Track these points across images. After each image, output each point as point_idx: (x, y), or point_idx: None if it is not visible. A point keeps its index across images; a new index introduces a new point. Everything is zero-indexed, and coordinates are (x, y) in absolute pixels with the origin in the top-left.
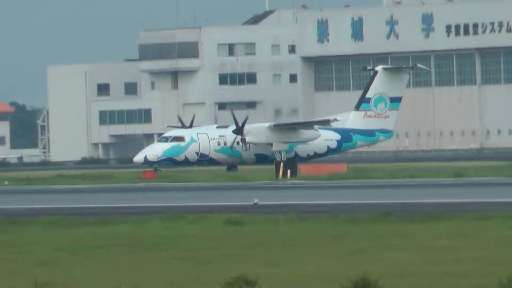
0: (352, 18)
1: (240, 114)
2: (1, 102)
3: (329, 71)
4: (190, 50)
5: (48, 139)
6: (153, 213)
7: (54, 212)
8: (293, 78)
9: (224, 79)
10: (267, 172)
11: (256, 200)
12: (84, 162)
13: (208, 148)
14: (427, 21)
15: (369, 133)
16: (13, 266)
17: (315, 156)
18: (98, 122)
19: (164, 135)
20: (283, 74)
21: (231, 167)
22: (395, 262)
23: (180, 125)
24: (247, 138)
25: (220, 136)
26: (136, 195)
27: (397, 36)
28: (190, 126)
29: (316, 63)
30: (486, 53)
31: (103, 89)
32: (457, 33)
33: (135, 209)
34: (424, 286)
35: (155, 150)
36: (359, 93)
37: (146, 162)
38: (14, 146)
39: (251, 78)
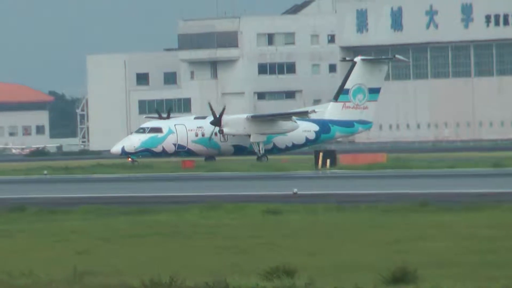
0: (392, 8)
1: (279, 104)
2: (40, 92)
3: None
4: (230, 39)
5: (87, 128)
6: (191, 202)
7: (93, 201)
8: (332, 68)
9: (263, 69)
10: (306, 162)
11: (295, 190)
12: None
13: (186, 139)
14: (467, 11)
15: (347, 124)
16: (53, 254)
17: (294, 148)
18: (137, 112)
19: (142, 126)
20: (322, 64)
21: (209, 158)
22: (434, 252)
23: (157, 115)
24: (225, 130)
25: (198, 127)
26: (175, 184)
27: (436, 26)
28: (168, 117)
29: (355, 53)
30: None
31: (142, 78)
32: (497, 23)
33: (174, 198)
34: (463, 276)
35: (132, 141)
36: (397, 83)
37: (124, 153)
38: (53, 135)
39: (290, 68)
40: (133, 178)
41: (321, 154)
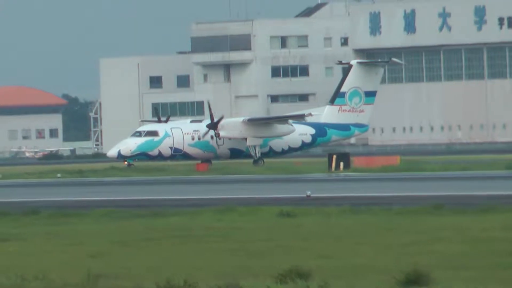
0: (405, 11)
1: (293, 107)
2: (53, 95)
3: None
4: (243, 42)
5: (101, 131)
6: (205, 205)
7: (107, 204)
8: (345, 71)
9: (276, 72)
10: (319, 165)
11: (308, 192)
12: None
13: (182, 143)
14: (480, 13)
15: (343, 127)
16: (66, 258)
17: (290, 151)
18: (151, 115)
19: (138, 129)
20: (335, 67)
21: (206, 161)
22: (448, 254)
23: (155, 119)
24: (222, 133)
25: (194, 130)
26: (189, 187)
27: (449, 29)
28: (166, 120)
29: (369, 56)
30: None
31: (155, 81)
32: (510, 25)
33: (187, 201)
34: (476, 278)
35: (128, 145)
36: (411, 86)
37: (120, 157)
38: (66, 138)
39: (303, 71)
40: (146, 181)
41: (334, 156)
